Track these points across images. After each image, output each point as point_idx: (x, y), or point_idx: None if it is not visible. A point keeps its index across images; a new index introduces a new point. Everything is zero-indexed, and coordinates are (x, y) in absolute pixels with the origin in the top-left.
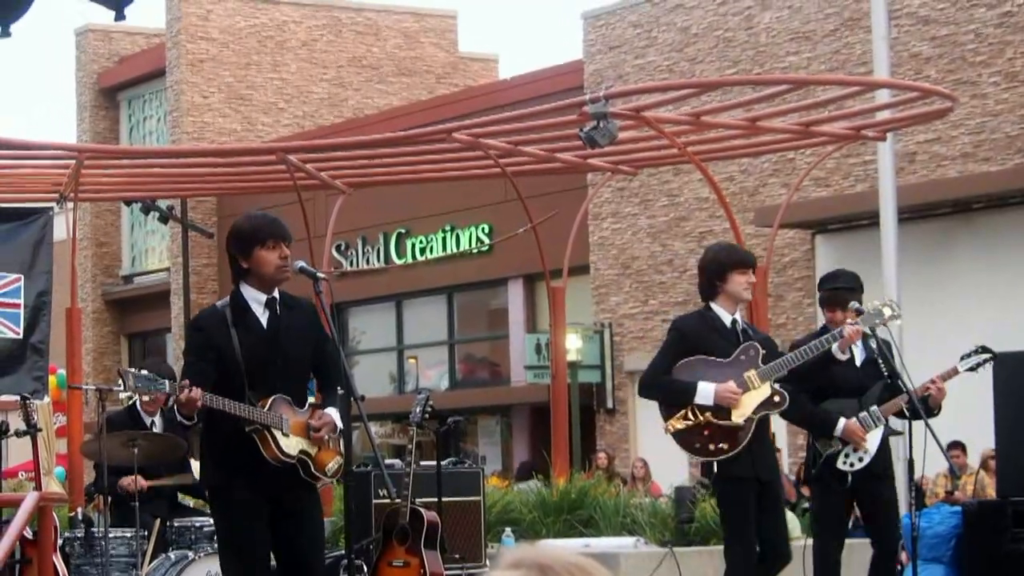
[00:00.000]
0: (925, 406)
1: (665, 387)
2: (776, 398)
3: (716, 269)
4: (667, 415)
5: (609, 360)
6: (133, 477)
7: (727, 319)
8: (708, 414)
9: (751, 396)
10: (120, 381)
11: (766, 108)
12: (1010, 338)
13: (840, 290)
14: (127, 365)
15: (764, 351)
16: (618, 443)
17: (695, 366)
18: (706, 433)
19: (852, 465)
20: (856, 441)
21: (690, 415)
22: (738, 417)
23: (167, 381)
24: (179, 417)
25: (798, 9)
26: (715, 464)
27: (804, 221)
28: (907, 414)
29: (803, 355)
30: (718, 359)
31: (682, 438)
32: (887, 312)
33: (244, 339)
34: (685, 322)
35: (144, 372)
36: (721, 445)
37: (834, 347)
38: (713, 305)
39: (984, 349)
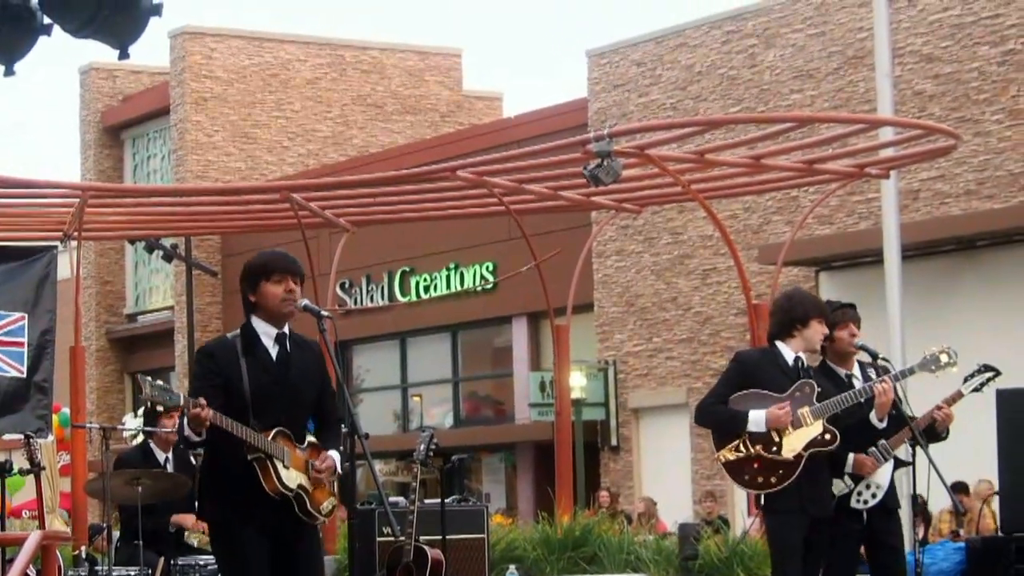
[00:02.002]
0: (932, 432)
1: (719, 415)
2: (827, 436)
3: (801, 314)
4: (719, 444)
5: (613, 397)
6: (192, 520)
7: (790, 357)
8: (759, 447)
9: (803, 432)
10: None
11: (770, 146)
12: (1015, 375)
13: (846, 307)
14: (130, 404)
15: (819, 389)
16: (622, 480)
17: (751, 399)
18: (756, 466)
19: (866, 502)
20: (867, 472)
21: (741, 447)
22: (788, 452)
23: (181, 394)
24: (187, 431)
25: (802, 47)
26: (762, 497)
27: (808, 259)
28: (911, 445)
29: (854, 397)
30: (773, 394)
31: (732, 469)
32: (944, 359)
33: (252, 370)
34: (748, 355)
35: (160, 382)
36: (770, 479)
37: (872, 417)
38: (779, 344)
39: (987, 368)
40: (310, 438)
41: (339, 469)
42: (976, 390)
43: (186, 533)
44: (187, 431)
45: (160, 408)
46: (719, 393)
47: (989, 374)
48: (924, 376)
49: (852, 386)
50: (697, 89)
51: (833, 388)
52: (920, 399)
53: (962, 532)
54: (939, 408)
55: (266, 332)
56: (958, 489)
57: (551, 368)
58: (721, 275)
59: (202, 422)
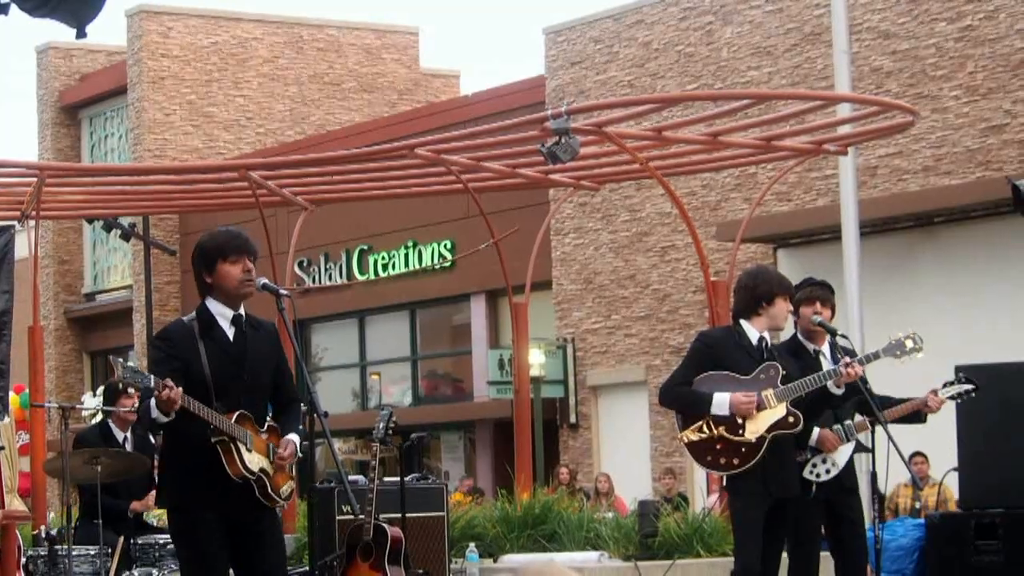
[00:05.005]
0: (915, 415)
1: (683, 396)
2: (790, 419)
3: (766, 292)
4: (683, 425)
5: (572, 375)
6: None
7: (754, 336)
8: (721, 428)
9: (766, 415)
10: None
11: (728, 123)
12: (972, 351)
13: (814, 286)
14: (89, 384)
15: (784, 372)
16: (581, 458)
17: (715, 380)
18: (718, 447)
19: (819, 476)
20: (828, 448)
21: (705, 428)
22: (750, 434)
23: (152, 376)
24: (155, 413)
25: (759, 24)
26: (725, 477)
27: (766, 235)
28: (868, 419)
29: (819, 380)
30: (738, 376)
31: (695, 450)
32: (909, 344)
33: (211, 352)
34: (711, 334)
35: (132, 364)
36: (733, 460)
37: (830, 384)
38: (743, 323)
39: (967, 379)
40: (270, 421)
41: (299, 452)
42: (952, 398)
43: (144, 513)
44: (155, 412)
45: (131, 390)
46: (683, 374)
47: (969, 387)
48: (883, 366)
49: (819, 362)
50: (654, 66)
51: (797, 369)
52: (878, 389)
53: (919, 504)
54: (934, 393)
55: (222, 314)
56: (915, 455)
57: (510, 346)
58: (679, 252)
59: (173, 404)
